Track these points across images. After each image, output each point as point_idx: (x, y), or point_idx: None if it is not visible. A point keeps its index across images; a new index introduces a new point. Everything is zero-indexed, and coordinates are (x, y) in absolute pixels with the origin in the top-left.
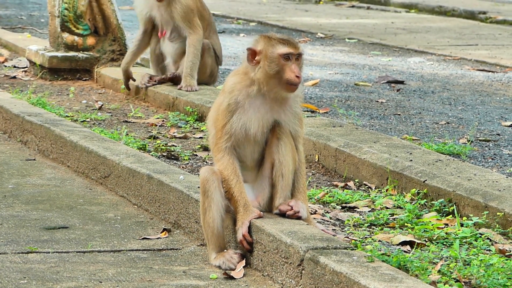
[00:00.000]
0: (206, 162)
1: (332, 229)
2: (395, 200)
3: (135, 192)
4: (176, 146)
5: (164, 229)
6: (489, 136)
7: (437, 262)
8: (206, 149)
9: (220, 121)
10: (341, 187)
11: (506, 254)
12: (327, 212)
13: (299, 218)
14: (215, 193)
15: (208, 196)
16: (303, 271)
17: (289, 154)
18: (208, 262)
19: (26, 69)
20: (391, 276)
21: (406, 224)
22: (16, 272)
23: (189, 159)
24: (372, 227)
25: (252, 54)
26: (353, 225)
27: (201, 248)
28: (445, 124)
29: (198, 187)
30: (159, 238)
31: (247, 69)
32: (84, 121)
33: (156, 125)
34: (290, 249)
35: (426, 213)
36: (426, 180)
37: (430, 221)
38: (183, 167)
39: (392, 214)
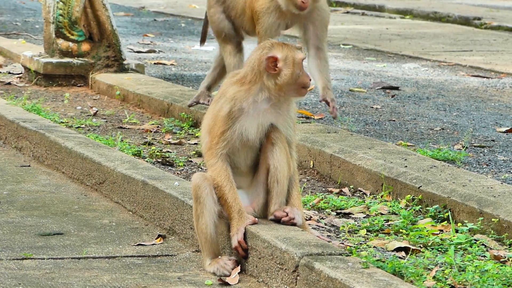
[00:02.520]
0: (201, 168)
1: (327, 235)
2: (390, 206)
3: (130, 198)
4: (171, 152)
5: (159, 235)
6: (484, 142)
7: (432, 268)
8: (201, 155)
9: (219, 128)
10: (336, 193)
11: (501, 260)
12: (322, 218)
13: (294, 224)
14: (207, 199)
15: (200, 202)
16: (298, 277)
17: (284, 160)
18: (203, 269)
19: (20, 75)
20: (386, 282)
21: (401, 230)
22: (11, 278)
23: (184, 165)
24: (367, 233)
25: (273, 61)
26: (348, 231)
27: (196, 254)
28: (440, 130)
29: None
30: (154, 244)
31: (257, 77)
32: (79, 127)
33: (151, 131)
34: (285, 255)
35: (421, 219)
36: (421, 186)
37: (425, 227)
38: (178, 173)
39: (387, 220)
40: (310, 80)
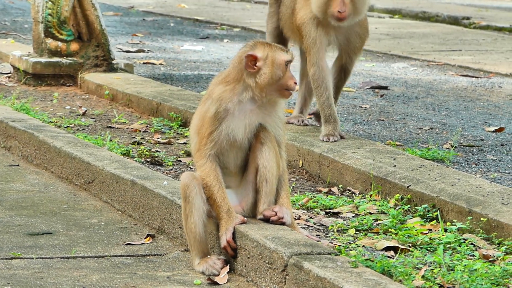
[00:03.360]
0: (190, 167)
1: (316, 235)
2: (379, 205)
3: (119, 198)
4: (160, 151)
5: (148, 235)
6: (473, 141)
7: (421, 268)
8: (190, 154)
9: (206, 129)
10: (325, 192)
11: (490, 259)
12: (311, 217)
13: (283, 223)
14: (196, 199)
15: (189, 201)
16: (287, 277)
17: (273, 159)
18: (192, 268)
19: (9, 74)
20: (375, 282)
21: (390, 229)
22: None
23: (173, 164)
24: (356, 232)
25: (252, 60)
26: (337, 231)
27: (185, 254)
28: (428, 129)
29: None
30: (143, 243)
31: (240, 75)
32: (68, 126)
33: (140, 131)
34: (274, 254)
35: (410, 218)
36: (410, 185)
37: (414, 227)
38: (167, 172)
39: (376, 220)
40: (296, 82)
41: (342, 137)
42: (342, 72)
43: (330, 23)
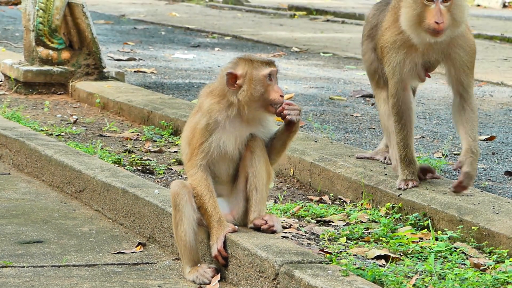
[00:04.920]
0: (181, 176)
1: (307, 243)
2: (370, 214)
3: (110, 206)
4: (151, 160)
5: (139, 243)
6: None
7: (412, 276)
8: (181, 163)
9: (197, 140)
10: (316, 201)
11: (481, 268)
12: (302, 226)
13: (274, 232)
14: (186, 207)
15: (179, 210)
16: (278, 285)
17: (263, 168)
18: (183, 277)
19: (0, 83)
20: None
21: (381, 238)
22: None
23: (164, 173)
24: (347, 241)
25: (233, 78)
26: (328, 239)
27: (176, 262)
28: (419, 138)
29: None
30: (134, 252)
31: (224, 92)
32: (59, 135)
33: (131, 139)
34: (265, 263)
35: (401, 227)
36: (400, 194)
37: (405, 235)
38: (158, 181)
39: (367, 228)
40: (282, 95)
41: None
42: (461, 103)
43: (423, 42)
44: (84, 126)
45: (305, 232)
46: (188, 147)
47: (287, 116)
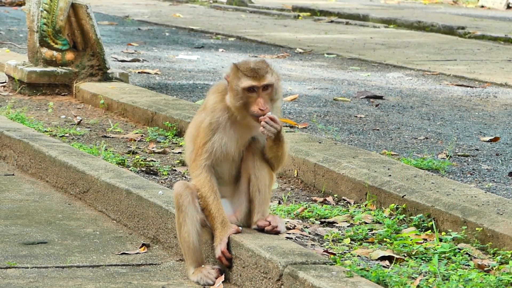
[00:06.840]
0: (185, 177)
1: (311, 244)
2: (374, 215)
3: (114, 207)
4: (155, 161)
5: (143, 244)
6: (468, 151)
7: (416, 277)
8: (185, 164)
9: (201, 139)
10: (320, 202)
11: (485, 269)
12: (306, 227)
13: (277, 232)
14: (189, 208)
15: (182, 210)
16: (282, 286)
17: (265, 169)
18: (187, 277)
19: (4, 84)
20: None
21: (385, 239)
22: None
23: (168, 174)
24: (351, 242)
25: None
26: (332, 240)
27: (180, 263)
28: (423, 139)
29: None
30: (138, 253)
31: (226, 91)
32: (63, 136)
33: (135, 140)
34: (269, 264)
35: (405, 228)
36: (405, 195)
37: (409, 236)
38: (162, 182)
39: (371, 229)
40: (262, 109)
41: None
42: None
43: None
44: (88, 127)
45: (309, 233)
46: (192, 145)
47: (263, 131)
